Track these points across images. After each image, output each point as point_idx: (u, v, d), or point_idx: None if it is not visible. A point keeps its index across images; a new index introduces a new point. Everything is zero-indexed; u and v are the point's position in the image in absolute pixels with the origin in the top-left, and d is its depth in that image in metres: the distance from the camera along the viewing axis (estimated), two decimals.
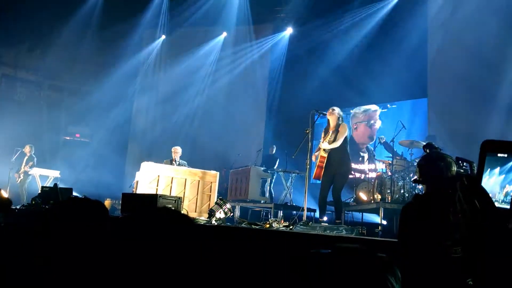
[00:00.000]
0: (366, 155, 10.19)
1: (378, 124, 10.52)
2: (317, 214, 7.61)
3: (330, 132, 6.05)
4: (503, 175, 0.79)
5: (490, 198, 0.78)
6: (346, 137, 6.05)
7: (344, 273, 0.79)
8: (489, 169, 0.80)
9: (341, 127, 6.01)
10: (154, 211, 1.23)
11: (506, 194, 0.79)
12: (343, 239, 4.20)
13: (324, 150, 5.96)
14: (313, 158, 6.23)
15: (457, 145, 7.12)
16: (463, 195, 0.78)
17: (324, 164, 5.94)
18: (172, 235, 1.12)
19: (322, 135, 6.25)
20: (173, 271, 1.07)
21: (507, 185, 0.79)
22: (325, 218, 6.40)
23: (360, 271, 0.79)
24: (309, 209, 6.63)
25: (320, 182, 6.15)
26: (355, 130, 11.04)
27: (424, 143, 8.06)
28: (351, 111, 11.21)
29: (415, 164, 7.39)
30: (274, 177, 9.15)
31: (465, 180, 0.79)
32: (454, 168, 2.24)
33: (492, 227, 0.77)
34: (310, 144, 6.19)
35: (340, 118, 6.15)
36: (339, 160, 5.96)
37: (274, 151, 10.25)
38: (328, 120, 6.18)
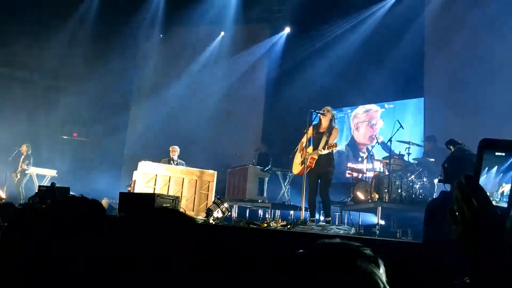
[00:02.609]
0: (365, 155, 10.23)
1: (379, 124, 10.54)
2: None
3: (322, 133, 6.13)
4: (501, 174, 0.79)
5: (487, 197, 0.78)
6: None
7: (325, 270, 0.79)
8: (486, 168, 0.80)
9: (334, 131, 6.14)
10: (152, 211, 1.22)
11: (503, 193, 0.79)
12: (342, 238, 4.21)
13: (317, 154, 6.03)
14: (296, 160, 6.31)
15: None
16: (460, 193, 0.78)
17: (313, 165, 6.06)
18: (171, 234, 1.12)
19: (310, 132, 6.31)
20: (172, 270, 1.07)
21: (504, 184, 0.79)
22: (322, 218, 6.44)
23: (342, 267, 0.79)
24: (307, 209, 6.66)
25: (307, 182, 6.24)
26: (357, 130, 11.05)
27: (423, 143, 8.07)
28: (350, 111, 11.21)
29: (413, 163, 7.44)
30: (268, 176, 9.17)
31: (463, 178, 0.79)
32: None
33: (489, 226, 0.78)
34: (308, 143, 6.24)
35: (333, 120, 6.23)
36: (325, 161, 6.11)
37: (264, 150, 10.30)
38: (321, 118, 6.24)
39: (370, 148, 9.31)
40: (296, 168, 6.38)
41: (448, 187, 3.38)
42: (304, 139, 6.30)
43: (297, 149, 6.48)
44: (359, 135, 11.01)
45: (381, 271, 0.81)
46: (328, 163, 6.14)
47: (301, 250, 0.85)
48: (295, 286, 0.81)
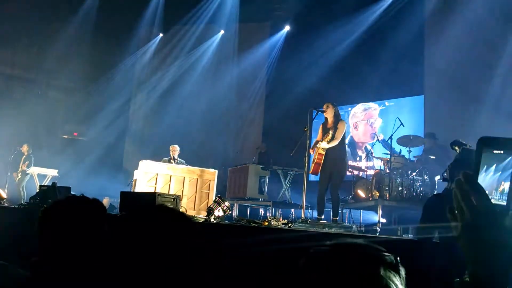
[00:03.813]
0: (364, 154, 10.23)
1: (378, 122, 10.53)
2: (315, 213, 7.62)
3: (329, 129, 6.08)
4: (499, 172, 0.79)
5: (486, 195, 0.78)
6: (344, 134, 6.09)
7: (344, 271, 0.77)
8: (485, 166, 0.80)
9: (340, 124, 6.04)
10: (152, 210, 1.23)
11: (502, 191, 0.79)
12: (341, 236, 4.21)
13: (322, 148, 5.99)
14: (311, 151, 6.24)
15: None
16: (459, 191, 0.78)
17: (322, 161, 5.99)
18: (171, 233, 1.12)
19: (320, 131, 6.29)
20: (172, 270, 1.07)
21: (503, 182, 0.79)
22: (322, 216, 6.43)
23: (361, 270, 0.77)
24: (308, 207, 6.66)
25: (318, 179, 6.19)
26: (355, 129, 11.05)
27: (424, 139, 8.04)
28: (350, 109, 11.21)
29: (414, 161, 7.44)
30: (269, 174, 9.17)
31: (462, 177, 0.79)
32: None
33: (488, 224, 0.78)
34: (308, 142, 6.22)
35: (337, 114, 6.17)
36: (336, 157, 6.00)
37: (264, 150, 10.30)
38: (326, 116, 6.20)
39: (368, 146, 9.31)
40: (311, 168, 6.28)
41: (420, 186, 3.44)
42: (318, 138, 6.24)
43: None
44: (357, 134, 11.00)
45: (400, 278, 0.78)
46: (340, 160, 6.02)
47: (320, 247, 0.82)
48: (308, 285, 0.78)
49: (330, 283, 0.76)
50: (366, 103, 10.89)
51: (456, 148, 4.42)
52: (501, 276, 0.76)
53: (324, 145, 5.94)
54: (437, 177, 6.94)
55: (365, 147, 10.40)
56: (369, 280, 0.75)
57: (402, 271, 0.79)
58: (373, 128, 10.57)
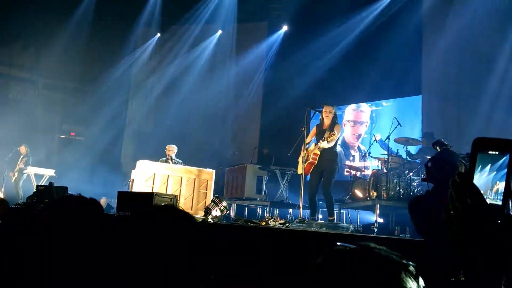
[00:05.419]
0: (357, 154, 10.26)
1: (367, 123, 10.59)
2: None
3: (325, 130, 6.12)
4: (494, 173, 0.80)
5: (481, 195, 0.79)
6: (338, 137, 6.17)
7: (367, 269, 0.77)
8: (480, 167, 0.80)
9: (336, 128, 6.12)
10: (154, 210, 1.22)
11: (497, 191, 0.80)
12: (340, 236, 4.23)
13: (318, 148, 6.03)
14: (300, 159, 6.29)
15: (451, 142, 7.15)
16: (455, 192, 0.78)
17: (316, 161, 6.04)
18: (172, 233, 1.12)
19: (314, 131, 6.32)
20: (172, 270, 1.08)
21: (498, 182, 0.80)
22: (320, 216, 6.45)
23: (384, 270, 0.77)
24: (305, 207, 6.67)
25: (309, 179, 6.24)
26: (347, 129, 11.09)
27: (420, 139, 8.07)
28: (345, 109, 11.23)
29: (412, 161, 7.45)
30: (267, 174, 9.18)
31: (457, 177, 0.80)
32: (463, 168, 2.27)
33: (483, 224, 0.78)
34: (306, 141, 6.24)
35: (335, 118, 6.23)
36: (328, 157, 6.10)
37: (266, 151, 10.30)
38: (323, 118, 6.23)
39: (362, 146, 9.33)
40: (300, 167, 6.33)
41: (431, 187, 3.44)
42: (308, 139, 6.28)
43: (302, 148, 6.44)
44: (348, 134, 11.05)
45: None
46: (332, 160, 6.11)
47: (346, 245, 0.82)
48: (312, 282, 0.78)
49: (351, 279, 0.76)
50: (357, 104, 10.97)
51: (437, 148, 4.47)
52: (495, 275, 0.76)
53: (325, 144, 5.98)
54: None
55: (358, 147, 10.44)
56: (389, 281, 0.75)
57: (421, 282, 0.80)
58: (362, 129, 10.63)
